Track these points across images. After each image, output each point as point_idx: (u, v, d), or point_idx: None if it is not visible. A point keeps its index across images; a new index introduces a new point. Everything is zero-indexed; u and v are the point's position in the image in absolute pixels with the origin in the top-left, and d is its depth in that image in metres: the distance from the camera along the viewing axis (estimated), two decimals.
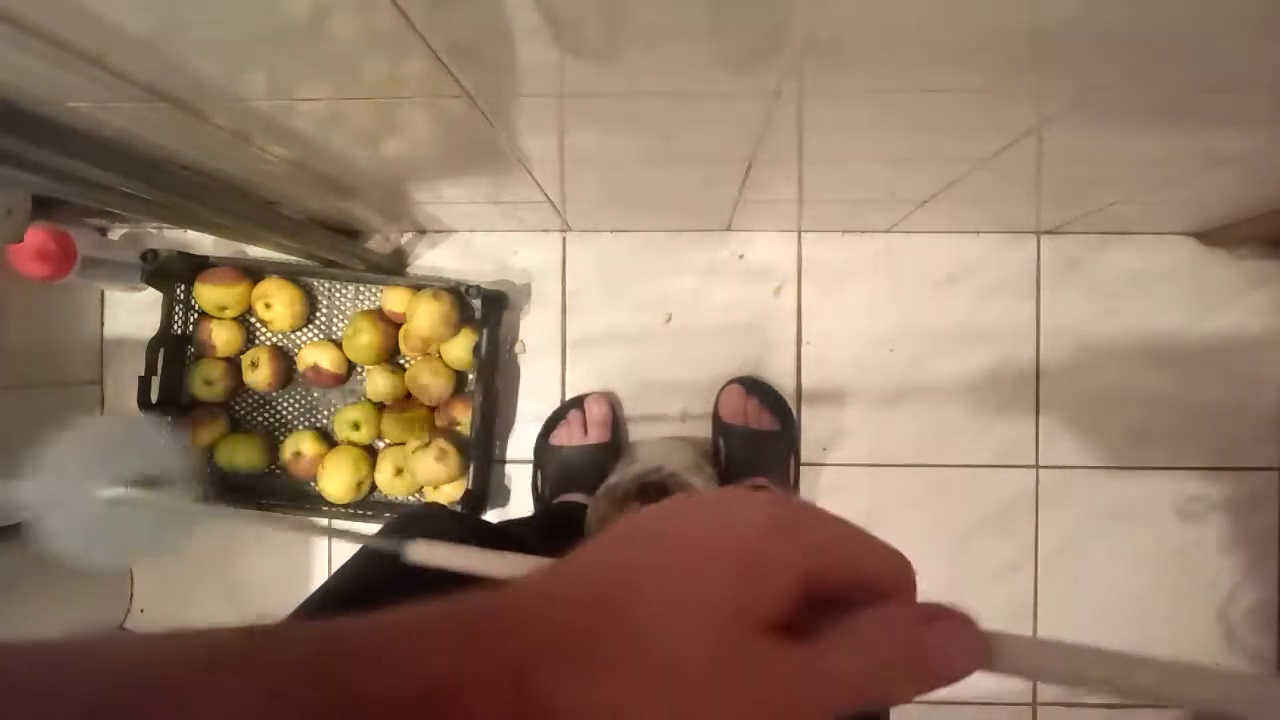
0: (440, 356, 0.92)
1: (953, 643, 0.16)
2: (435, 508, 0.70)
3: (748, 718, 0.16)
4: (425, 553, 0.27)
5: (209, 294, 0.90)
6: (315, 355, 0.91)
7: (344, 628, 0.16)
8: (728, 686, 0.16)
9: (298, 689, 0.14)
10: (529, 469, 0.96)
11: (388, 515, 0.92)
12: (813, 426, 0.97)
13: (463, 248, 0.99)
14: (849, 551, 0.18)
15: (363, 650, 0.15)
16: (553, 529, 0.81)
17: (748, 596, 0.17)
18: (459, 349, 0.91)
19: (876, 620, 0.17)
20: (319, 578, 0.96)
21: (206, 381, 0.91)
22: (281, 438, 0.94)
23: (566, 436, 0.93)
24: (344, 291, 0.95)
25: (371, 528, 0.73)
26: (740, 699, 0.16)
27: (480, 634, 0.16)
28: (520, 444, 0.98)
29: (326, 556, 1.00)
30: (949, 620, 0.17)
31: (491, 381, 0.91)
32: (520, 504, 0.98)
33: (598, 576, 0.18)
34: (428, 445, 0.88)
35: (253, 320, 0.95)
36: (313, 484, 0.93)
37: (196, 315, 0.93)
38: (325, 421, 0.96)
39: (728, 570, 0.17)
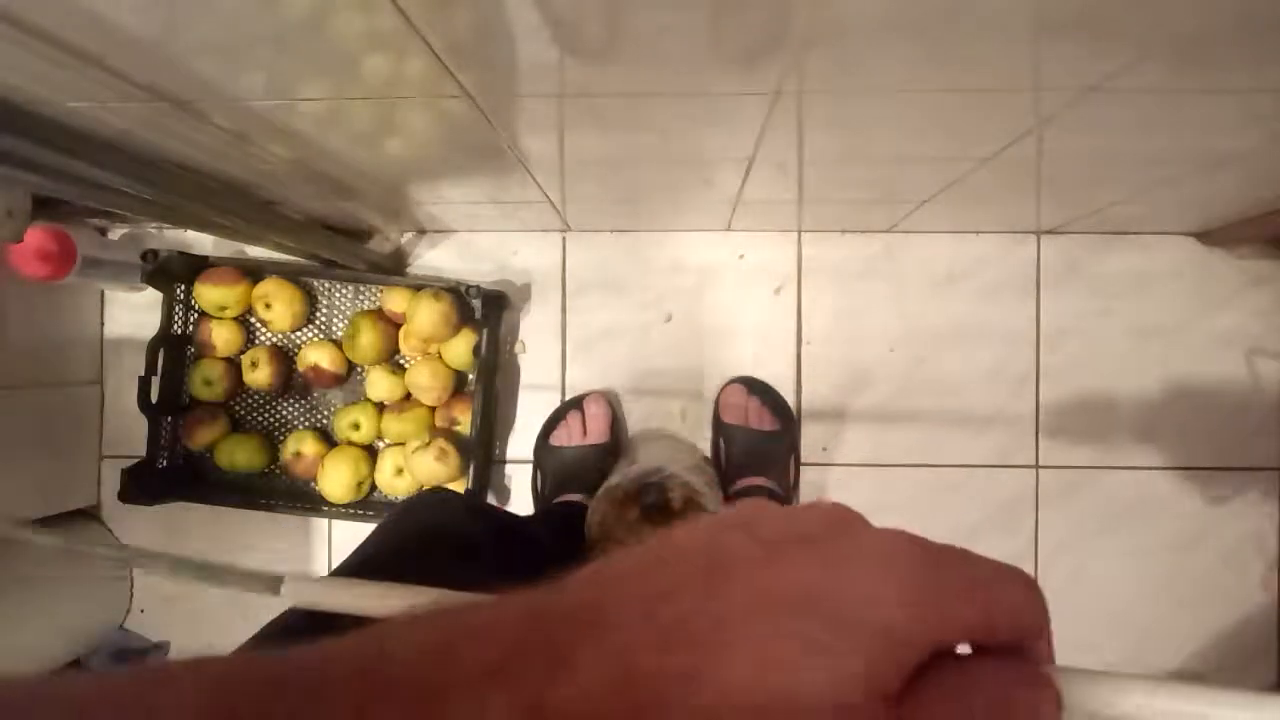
0: (440, 356, 0.92)
1: (1035, 708, 0.16)
2: (445, 492, 0.70)
3: None
4: (299, 592, 0.24)
5: (209, 294, 0.90)
6: (315, 355, 0.91)
7: (383, 680, 0.14)
8: None
9: None
10: (529, 469, 0.96)
11: (387, 515, 0.92)
12: (813, 426, 0.97)
13: (463, 248, 0.99)
14: (984, 620, 0.17)
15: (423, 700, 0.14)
16: (554, 528, 0.81)
17: (882, 674, 0.15)
18: (459, 349, 0.91)
19: (973, 685, 0.16)
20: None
21: (206, 381, 0.91)
22: (281, 438, 0.94)
23: (566, 437, 0.93)
24: (344, 291, 0.95)
25: (369, 527, 0.73)
26: None
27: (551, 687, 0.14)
28: (520, 444, 0.98)
29: (326, 555, 1.00)
30: (1033, 688, 0.17)
31: (491, 381, 0.91)
32: (520, 504, 0.98)
33: (691, 623, 0.15)
34: (428, 445, 0.88)
35: (253, 320, 0.95)
36: (313, 484, 0.93)
37: (196, 315, 0.93)
38: (325, 421, 0.96)
39: (867, 646, 0.15)
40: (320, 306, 0.95)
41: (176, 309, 0.92)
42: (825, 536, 0.17)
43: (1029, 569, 1.04)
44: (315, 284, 0.95)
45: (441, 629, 0.15)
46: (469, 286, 0.89)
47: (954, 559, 0.17)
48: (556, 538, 0.74)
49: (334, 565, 0.73)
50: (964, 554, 0.17)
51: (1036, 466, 0.96)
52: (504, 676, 0.14)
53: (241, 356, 0.93)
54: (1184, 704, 0.17)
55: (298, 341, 0.95)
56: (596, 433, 0.92)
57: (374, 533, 0.54)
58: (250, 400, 0.96)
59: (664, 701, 0.14)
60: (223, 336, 0.92)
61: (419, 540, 0.52)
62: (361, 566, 0.47)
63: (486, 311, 0.89)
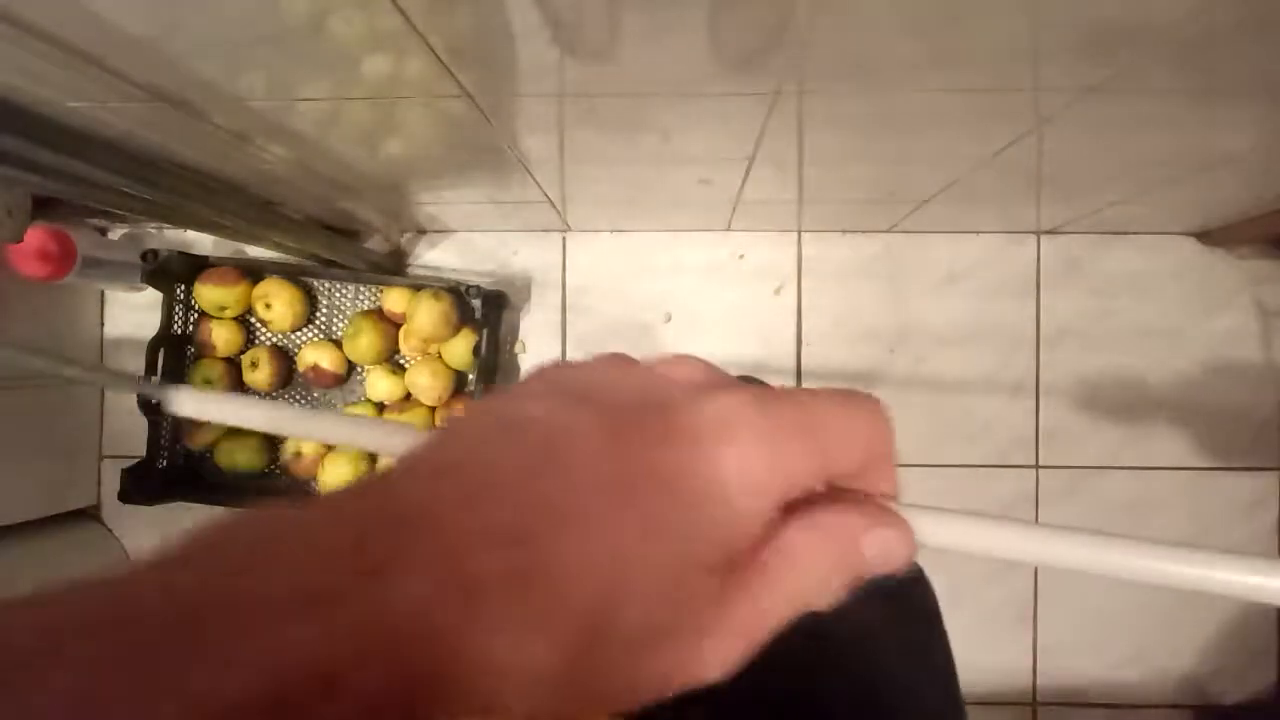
0: (440, 356, 0.92)
1: (886, 547, 0.17)
2: None
3: (698, 662, 0.15)
4: (193, 404, 0.25)
5: (209, 294, 0.89)
6: (315, 355, 0.91)
7: (195, 589, 0.12)
8: (679, 641, 0.15)
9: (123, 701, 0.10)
10: None
11: None
12: None
13: (463, 248, 0.99)
14: (831, 462, 0.17)
15: (212, 638, 0.11)
16: None
17: (724, 543, 0.15)
18: (459, 349, 0.91)
19: (817, 536, 0.16)
20: None
21: (206, 381, 0.91)
22: (281, 438, 0.94)
23: None
24: (344, 291, 0.95)
25: None
26: (691, 650, 0.15)
27: (365, 589, 0.12)
28: None
29: None
30: (883, 525, 0.17)
31: (491, 381, 0.91)
32: None
33: (523, 515, 0.14)
34: None
35: (253, 320, 0.95)
36: (313, 484, 0.93)
37: (196, 315, 0.93)
38: None
39: (709, 518, 0.15)
40: (320, 306, 0.95)
41: (176, 309, 0.92)
42: (667, 406, 0.16)
43: (1029, 569, 1.04)
44: (315, 284, 0.95)
45: (255, 549, 0.13)
46: (469, 286, 0.89)
47: (789, 409, 0.16)
48: None
49: None
50: (799, 401, 0.16)
51: (1036, 466, 0.96)
52: (330, 593, 0.12)
53: (241, 356, 0.93)
54: (1023, 542, 0.17)
55: (298, 341, 0.95)
56: None
57: None
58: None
59: (497, 603, 0.13)
60: (223, 336, 0.92)
61: None
62: None
63: (486, 311, 0.89)
